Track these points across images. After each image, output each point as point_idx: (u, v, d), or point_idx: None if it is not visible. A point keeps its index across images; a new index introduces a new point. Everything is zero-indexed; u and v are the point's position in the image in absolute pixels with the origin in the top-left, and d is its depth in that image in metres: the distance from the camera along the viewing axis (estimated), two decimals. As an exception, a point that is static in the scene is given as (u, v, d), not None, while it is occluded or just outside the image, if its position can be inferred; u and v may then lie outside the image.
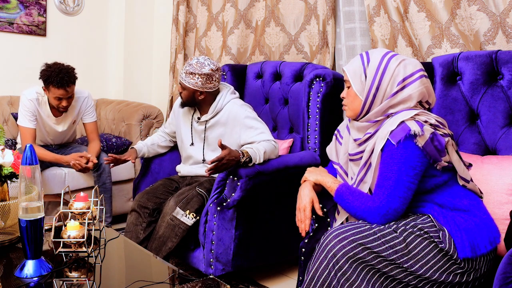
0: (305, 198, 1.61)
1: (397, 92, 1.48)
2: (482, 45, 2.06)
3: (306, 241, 1.65)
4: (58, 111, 2.76)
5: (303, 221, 1.59)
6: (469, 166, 1.55)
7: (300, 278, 1.64)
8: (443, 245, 1.36)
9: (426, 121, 1.43)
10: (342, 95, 1.61)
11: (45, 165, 2.79)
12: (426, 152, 1.40)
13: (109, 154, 2.44)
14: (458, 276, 1.37)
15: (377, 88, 1.50)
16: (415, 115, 1.44)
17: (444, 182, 1.46)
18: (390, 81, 1.49)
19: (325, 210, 1.75)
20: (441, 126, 1.46)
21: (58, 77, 2.56)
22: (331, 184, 1.58)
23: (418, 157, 1.40)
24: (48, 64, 2.65)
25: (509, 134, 1.76)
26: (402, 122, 1.42)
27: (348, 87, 1.57)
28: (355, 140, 1.57)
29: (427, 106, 1.55)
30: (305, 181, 1.68)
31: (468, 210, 1.44)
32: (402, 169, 1.40)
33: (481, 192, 1.55)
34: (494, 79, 1.82)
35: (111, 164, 2.45)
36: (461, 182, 1.48)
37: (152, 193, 2.32)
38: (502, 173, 1.62)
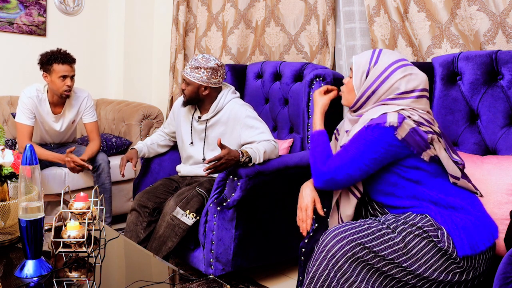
0: (307, 197, 1.61)
1: (391, 99, 1.51)
2: (482, 45, 2.06)
3: (306, 241, 1.65)
4: (61, 97, 2.75)
5: (304, 221, 1.59)
6: (461, 163, 1.53)
7: (300, 278, 1.64)
8: (441, 244, 1.36)
9: (409, 117, 1.44)
10: (344, 80, 1.65)
11: (45, 165, 2.79)
12: (408, 143, 1.42)
13: (120, 165, 2.41)
14: (458, 275, 1.37)
15: (373, 92, 1.53)
16: (401, 109, 1.46)
17: (432, 174, 1.47)
18: (388, 91, 1.51)
19: (325, 210, 1.75)
20: (426, 124, 1.45)
21: (60, 54, 2.66)
22: (317, 124, 1.67)
23: (386, 144, 1.42)
24: (45, 51, 2.72)
25: (509, 134, 1.76)
26: (386, 113, 1.45)
27: (351, 77, 1.60)
28: (346, 131, 1.60)
29: None
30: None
31: (462, 208, 1.44)
32: (362, 149, 1.45)
33: (477, 189, 1.53)
34: (494, 79, 1.82)
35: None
36: (451, 180, 1.48)
37: (152, 192, 2.32)
38: (502, 173, 1.62)
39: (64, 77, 2.66)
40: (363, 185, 1.55)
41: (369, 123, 1.46)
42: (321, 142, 1.61)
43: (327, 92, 1.72)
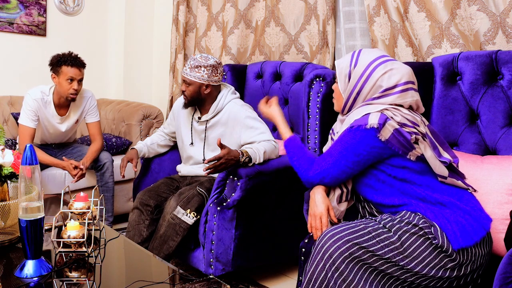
0: (321, 205, 1.56)
1: (376, 98, 1.52)
2: (482, 45, 2.06)
3: (306, 241, 1.65)
4: (66, 100, 2.74)
5: (319, 229, 1.55)
6: (454, 161, 1.53)
7: (300, 278, 1.64)
8: (436, 241, 1.36)
9: (392, 117, 1.44)
10: (333, 87, 1.66)
11: (45, 165, 2.79)
12: (391, 144, 1.43)
13: (120, 166, 2.40)
14: (456, 270, 1.37)
15: (358, 93, 1.54)
16: (384, 109, 1.46)
17: (419, 172, 1.47)
18: (371, 90, 1.52)
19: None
20: (409, 125, 1.45)
21: (71, 57, 2.67)
22: (285, 132, 1.73)
23: (367, 147, 1.44)
24: (57, 53, 2.72)
25: (509, 134, 1.76)
26: (368, 113, 1.46)
27: (337, 83, 1.61)
28: (337, 132, 1.62)
29: (414, 108, 1.55)
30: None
31: (450, 203, 1.44)
32: (344, 153, 1.48)
33: (468, 185, 1.52)
34: (494, 79, 1.82)
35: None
36: (439, 179, 1.48)
37: (154, 190, 2.33)
38: (502, 173, 1.62)
39: (72, 80, 2.65)
40: (353, 179, 1.57)
41: (351, 124, 1.47)
42: (297, 148, 1.64)
43: (269, 101, 1.83)
